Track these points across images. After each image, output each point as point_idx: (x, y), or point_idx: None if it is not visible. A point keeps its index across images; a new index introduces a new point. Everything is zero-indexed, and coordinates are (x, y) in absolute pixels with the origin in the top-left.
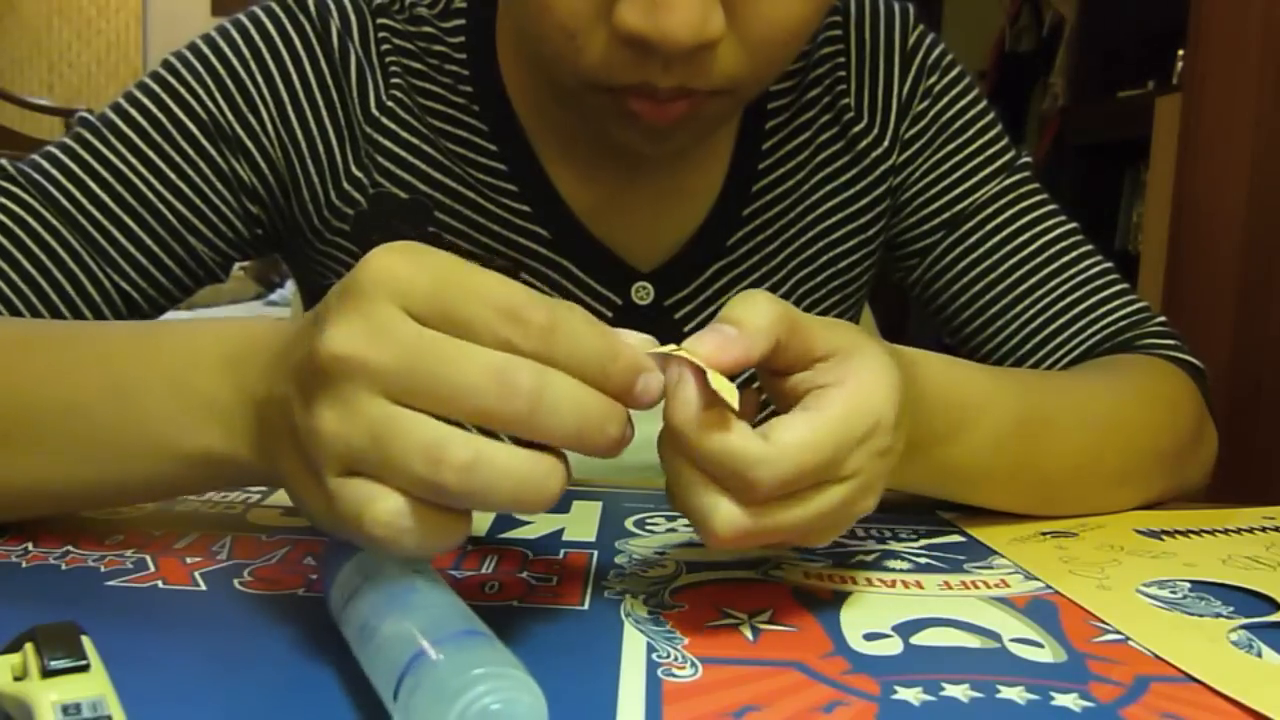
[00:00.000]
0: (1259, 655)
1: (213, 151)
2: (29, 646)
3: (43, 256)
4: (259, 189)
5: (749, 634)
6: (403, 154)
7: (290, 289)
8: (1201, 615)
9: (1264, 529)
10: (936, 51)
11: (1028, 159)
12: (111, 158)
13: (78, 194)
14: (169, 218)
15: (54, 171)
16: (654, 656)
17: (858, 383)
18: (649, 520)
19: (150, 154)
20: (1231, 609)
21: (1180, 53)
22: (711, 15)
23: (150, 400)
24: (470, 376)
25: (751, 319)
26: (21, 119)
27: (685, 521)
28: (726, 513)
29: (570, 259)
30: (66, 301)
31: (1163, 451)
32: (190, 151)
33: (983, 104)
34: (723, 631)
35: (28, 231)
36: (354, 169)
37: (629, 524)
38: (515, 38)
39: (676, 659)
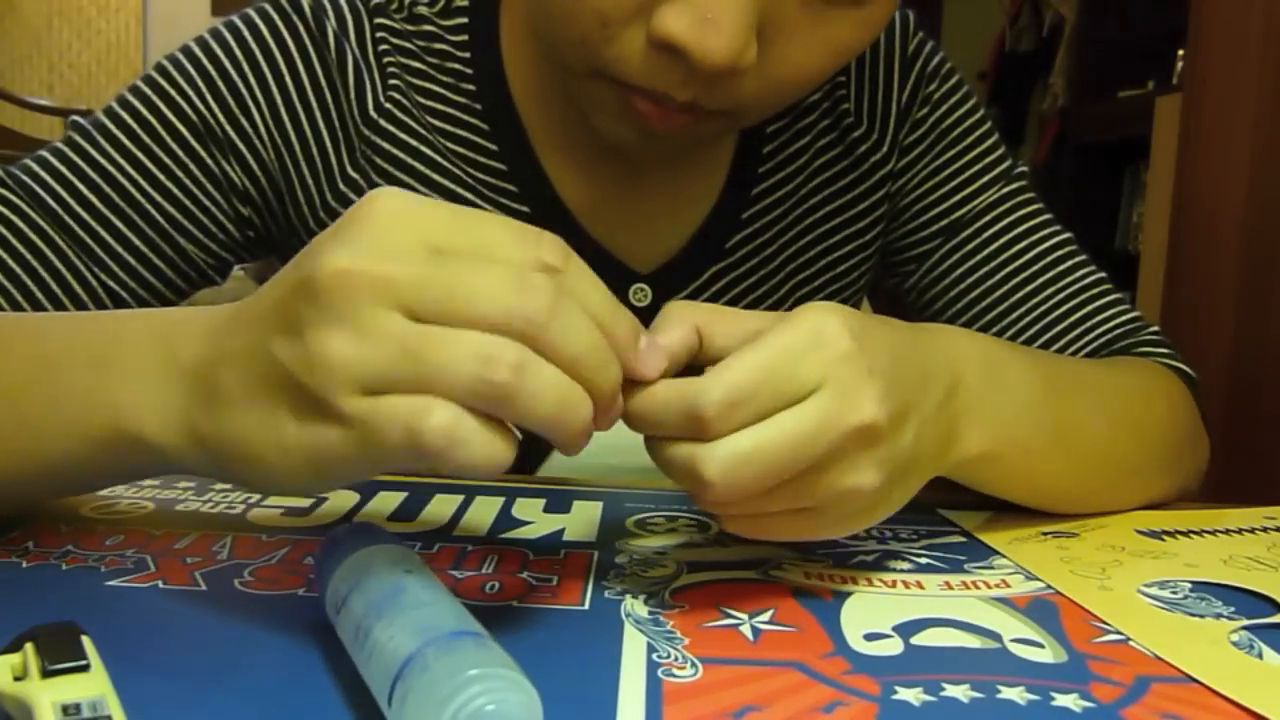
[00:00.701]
0: (1260, 656)
1: (203, 153)
2: (29, 646)
3: (30, 258)
4: (251, 191)
5: (749, 634)
6: (401, 155)
7: None
8: (1202, 616)
9: (1265, 529)
10: (936, 59)
11: (1024, 168)
12: (100, 160)
13: (66, 196)
14: (158, 219)
15: (43, 174)
16: (654, 656)
17: (788, 316)
18: (649, 520)
19: (140, 155)
20: (1233, 610)
21: (1180, 53)
22: (751, 43)
23: (68, 377)
24: (489, 283)
25: (661, 322)
26: (21, 119)
27: (685, 521)
28: (705, 455)
29: None
30: (55, 303)
31: (1167, 446)
32: (180, 153)
33: (980, 112)
34: (723, 631)
35: (15, 234)
36: (350, 170)
37: (629, 524)
38: (524, 24)
39: (676, 659)
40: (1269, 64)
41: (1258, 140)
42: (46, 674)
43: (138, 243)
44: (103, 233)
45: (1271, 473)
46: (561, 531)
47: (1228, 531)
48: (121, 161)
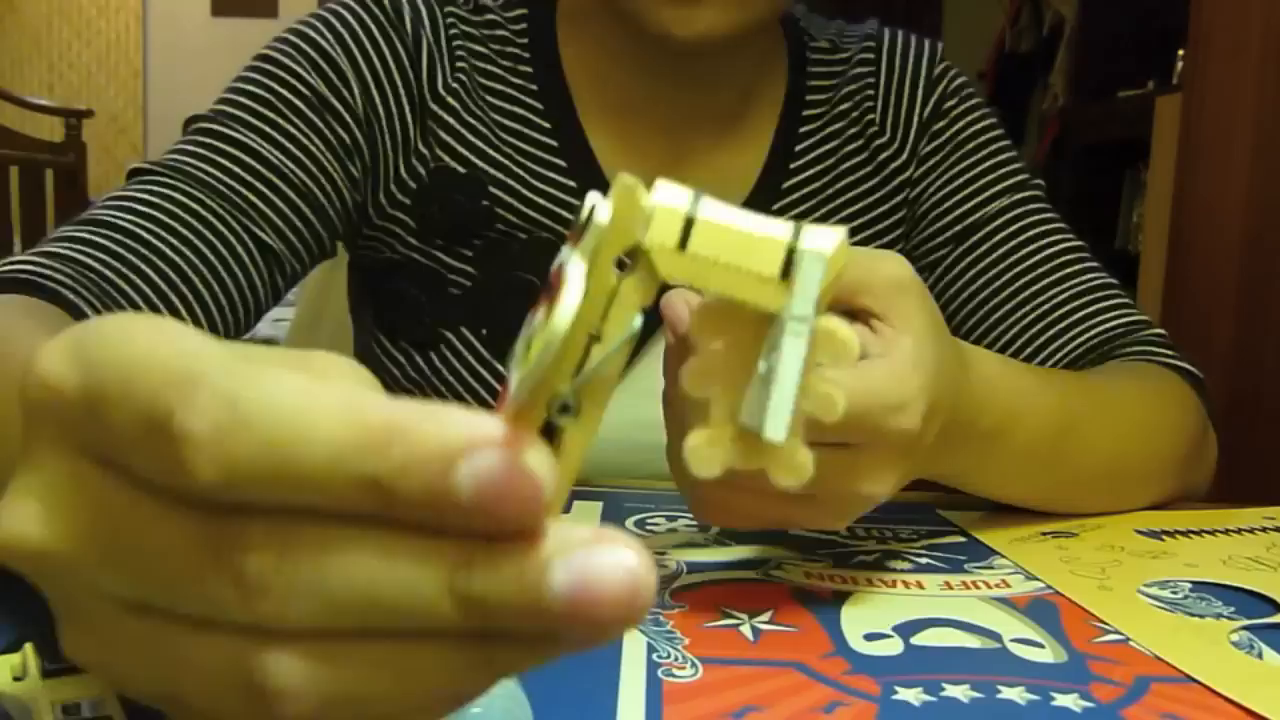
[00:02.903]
0: (1260, 656)
1: (319, 121)
2: (29, 647)
3: (197, 224)
4: (355, 155)
5: (749, 634)
6: (463, 131)
7: (293, 289)
8: (1202, 616)
9: (1264, 529)
10: (959, 81)
11: (1040, 182)
12: (236, 136)
13: (213, 170)
14: (295, 179)
15: (187, 159)
16: (654, 657)
17: (899, 352)
18: (649, 520)
19: (267, 129)
20: (1232, 610)
21: (1180, 53)
22: None
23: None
24: (172, 561)
25: None
26: (21, 119)
27: (686, 521)
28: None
29: None
30: (222, 263)
31: (1177, 454)
32: (300, 123)
33: (999, 130)
34: (723, 632)
35: (180, 206)
36: (420, 146)
37: (629, 524)
38: (578, 11)
39: (676, 659)
40: (1269, 64)
41: (1258, 140)
42: (46, 674)
43: (281, 204)
44: (250, 194)
45: (1271, 473)
46: None
47: (1227, 531)
48: (254, 135)
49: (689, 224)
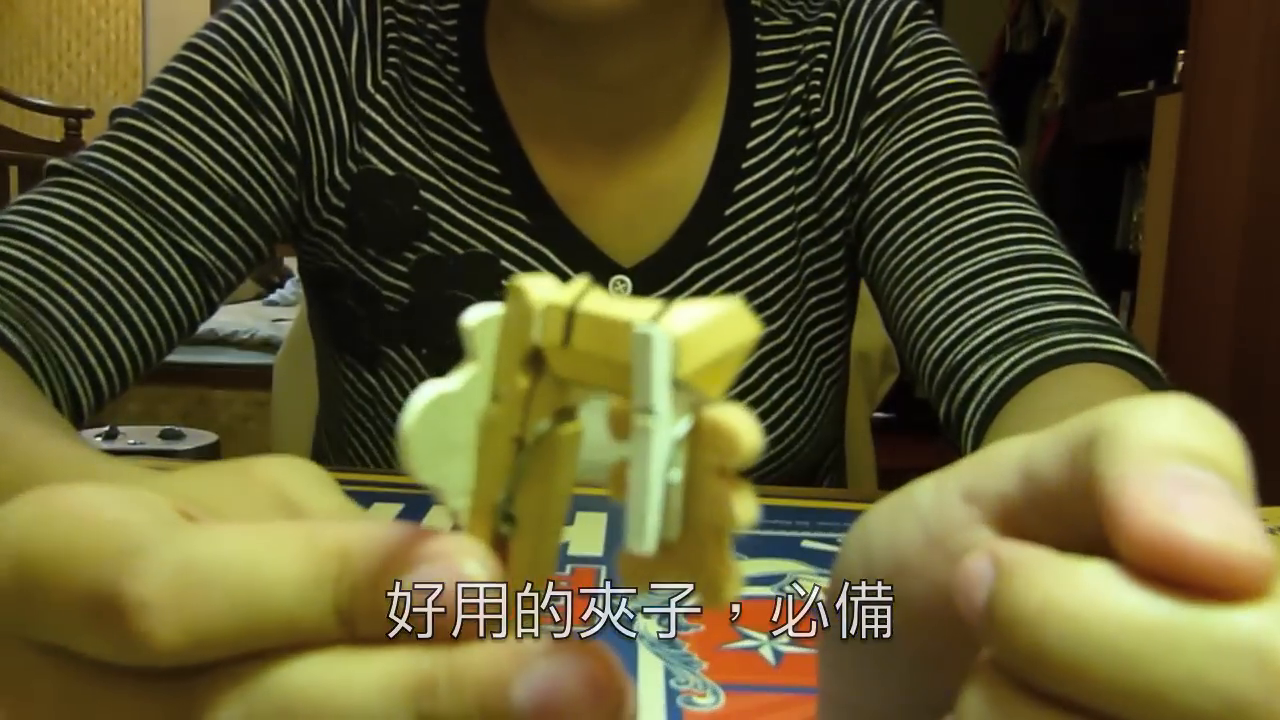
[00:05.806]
0: None
1: (249, 119)
2: None
3: (120, 240)
4: (290, 152)
5: (770, 657)
6: (392, 132)
7: (290, 289)
8: None
9: None
10: (926, 38)
11: (1009, 149)
12: (162, 137)
13: (138, 176)
14: (224, 186)
15: (111, 160)
16: (672, 683)
17: None
18: None
19: (194, 129)
20: None
21: (1180, 53)
22: None
23: None
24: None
25: None
26: (21, 119)
27: None
28: None
29: (549, 246)
30: (148, 279)
31: None
32: (230, 121)
33: (965, 91)
34: (743, 654)
35: (102, 219)
36: (357, 146)
37: None
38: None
39: (696, 685)
40: (1269, 64)
41: (1257, 140)
42: None
43: (210, 213)
44: (176, 205)
45: (1272, 472)
46: (566, 546)
47: None
48: (180, 136)
49: (570, 318)
